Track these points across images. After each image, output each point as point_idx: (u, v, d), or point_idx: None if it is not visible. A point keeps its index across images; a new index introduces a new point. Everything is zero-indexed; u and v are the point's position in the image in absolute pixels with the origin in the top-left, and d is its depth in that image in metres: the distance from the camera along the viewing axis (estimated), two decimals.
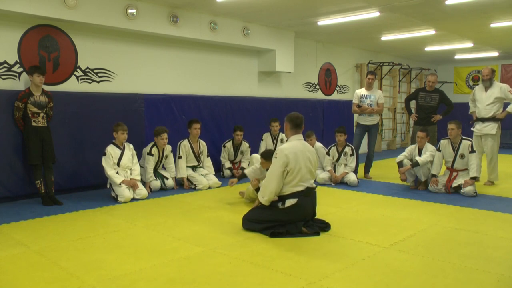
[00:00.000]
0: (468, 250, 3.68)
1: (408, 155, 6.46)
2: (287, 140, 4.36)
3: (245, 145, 7.57)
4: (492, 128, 6.63)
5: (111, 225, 4.47)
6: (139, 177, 5.87)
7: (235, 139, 7.43)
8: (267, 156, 5.04)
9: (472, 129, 6.90)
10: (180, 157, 6.48)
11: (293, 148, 4.12)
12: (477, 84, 6.98)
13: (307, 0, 6.41)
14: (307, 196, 4.16)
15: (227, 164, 7.50)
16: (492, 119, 6.63)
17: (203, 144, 6.77)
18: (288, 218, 4.12)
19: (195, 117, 7.03)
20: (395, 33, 8.95)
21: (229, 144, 7.48)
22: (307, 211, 4.19)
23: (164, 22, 6.64)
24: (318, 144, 7.34)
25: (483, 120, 6.69)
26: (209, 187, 6.46)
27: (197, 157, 6.68)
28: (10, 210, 5.07)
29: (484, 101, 6.68)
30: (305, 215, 4.18)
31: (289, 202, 4.11)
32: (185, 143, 6.56)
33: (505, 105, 6.71)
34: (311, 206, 4.23)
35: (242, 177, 5.54)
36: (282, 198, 4.19)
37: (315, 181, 4.37)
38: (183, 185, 6.53)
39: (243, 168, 7.48)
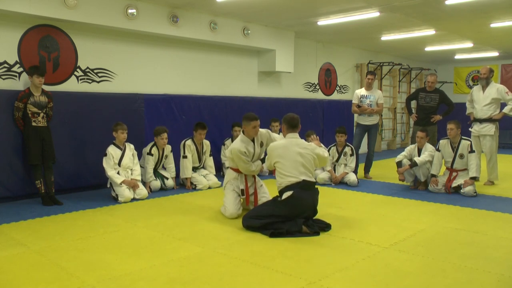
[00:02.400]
0: (468, 250, 3.68)
1: (407, 155, 6.47)
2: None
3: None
4: (490, 129, 6.64)
5: (111, 225, 4.47)
6: (139, 177, 5.87)
7: (234, 136, 7.42)
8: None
9: (470, 129, 6.91)
10: (185, 157, 6.43)
11: (278, 144, 4.46)
12: (477, 84, 6.97)
13: (307, 0, 6.41)
14: (305, 190, 4.19)
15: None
16: (489, 120, 6.64)
17: (206, 144, 6.75)
18: (287, 212, 4.15)
19: (195, 117, 7.03)
20: (395, 33, 8.95)
21: (228, 142, 7.46)
22: (306, 204, 4.20)
23: (164, 22, 6.64)
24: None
25: (481, 121, 6.70)
26: (209, 187, 6.46)
27: (200, 158, 6.67)
28: (10, 210, 5.07)
29: (481, 101, 6.68)
30: (304, 209, 4.19)
31: (286, 195, 4.19)
32: (189, 142, 6.50)
33: (502, 106, 6.72)
34: (310, 200, 4.24)
35: None
36: (280, 192, 4.30)
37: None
38: (183, 185, 6.53)
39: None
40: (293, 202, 4.15)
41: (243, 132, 4.93)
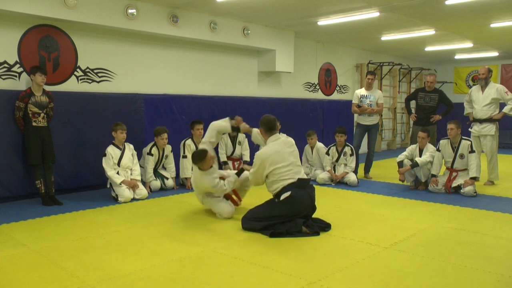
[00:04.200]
0: (468, 250, 3.68)
1: (408, 155, 6.46)
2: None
3: (241, 136, 7.53)
4: (490, 129, 6.64)
5: (111, 225, 4.47)
6: (139, 177, 5.88)
7: None
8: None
9: (470, 129, 6.90)
10: (185, 157, 6.44)
11: (269, 151, 4.29)
12: (476, 84, 6.97)
13: (307, 0, 6.41)
14: (302, 188, 4.19)
15: (223, 157, 7.43)
16: (490, 120, 6.63)
17: None
18: (286, 212, 4.14)
19: (195, 117, 7.02)
20: (395, 33, 8.95)
21: (225, 136, 7.47)
22: (304, 203, 4.20)
23: (164, 22, 6.64)
24: (319, 144, 7.34)
25: (481, 121, 6.70)
26: None
27: None
28: (10, 210, 5.07)
29: (481, 102, 6.68)
30: (303, 208, 4.19)
31: (284, 196, 4.16)
32: (189, 142, 6.51)
33: (502, 106, 6.71)
34: (308, 198, 4.23)
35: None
36: (277, 194, 4.25)
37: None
38: (183, 185, 6.53)
39: (246, 161, 7.48)
40: (292, 202, 4.14)
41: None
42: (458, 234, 4.16)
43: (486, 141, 6.70)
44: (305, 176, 4.36)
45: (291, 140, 4.49)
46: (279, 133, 4.58)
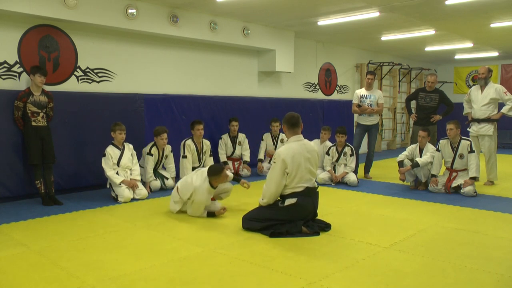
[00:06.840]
0: (468, 250, 3.68)
1: (409, 155, 6.46)
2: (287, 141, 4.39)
3: (241, 136, 7.57)
4: (488, 129, 6.64)
5: (111, 225, 4.47)
6: (139, 177, 5.88)
7: (231, 130, 7.45)
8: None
9: (468, 129, 6.90)
10: (185, 157, 6.44)
11: (290, 151, 4.14)
12: (476, 84, 6.98)
13: (307, 0, 6.41)
14: (307, 196, 4.17)
15: (223, 158, 7.45)
16: (488, 120, 6.63)
17: (206, 144, 6.76)
18: (287, 217, 4.14)
19: (195, 117, 7.02)
20: (395, 33, 8.95)
21: (225, 136, 7.51)
22: (307, 210, 4.20)
23: (164, 22, 6.64)
24: (328, 143, 7.34)
25: (479, 121, 6.70)
26: None
27: (200, 158, 6.67)
28: (10, 210, 5.07)
29: (480, 101, 6.68)
30: (305, 215, 4.18)
31: (289, 202, 4.13)
32: (189, 142, 6.52)
33: (501, 106, 6.71)
34: (311, 206, 4.23)
35: None
36: (282, 197, 4.23)
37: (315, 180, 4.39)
38: None
39: (246, 162, 7.50)
40: (295, 209, 4.13)
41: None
42: (458, 234, 4.17)
43: (484, 141, 6.70)
44: (314, 185, 4.27)
45: (313, 145, 4.37)
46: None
